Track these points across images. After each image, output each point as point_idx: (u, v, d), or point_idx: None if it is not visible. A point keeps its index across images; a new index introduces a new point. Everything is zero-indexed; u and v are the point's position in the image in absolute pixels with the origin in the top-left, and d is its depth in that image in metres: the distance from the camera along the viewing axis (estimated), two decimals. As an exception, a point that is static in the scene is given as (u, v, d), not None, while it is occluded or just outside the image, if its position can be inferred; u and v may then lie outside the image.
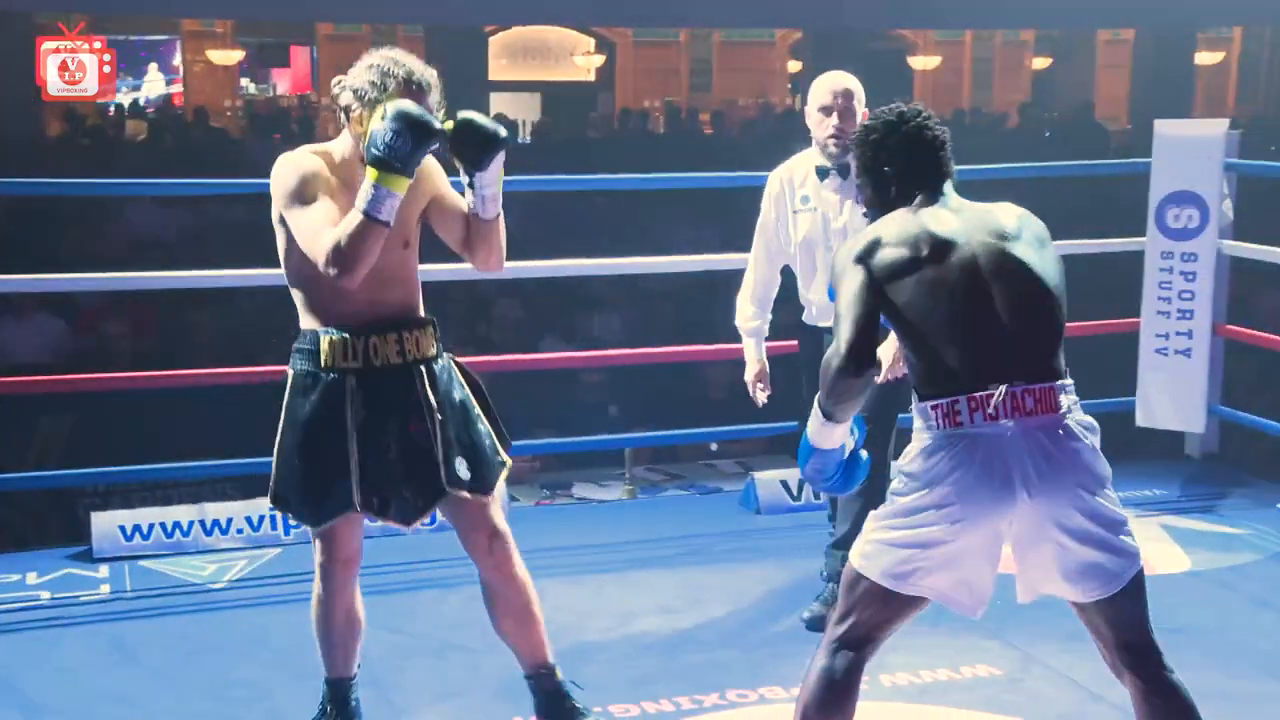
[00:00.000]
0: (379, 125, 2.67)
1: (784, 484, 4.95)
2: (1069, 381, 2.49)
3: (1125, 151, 10.44)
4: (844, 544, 3.75)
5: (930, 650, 3.67)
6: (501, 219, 2.94)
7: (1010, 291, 2.46)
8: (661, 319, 6.94)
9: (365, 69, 2.81)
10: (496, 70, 19.61)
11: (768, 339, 4.03)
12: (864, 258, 2.50)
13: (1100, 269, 5.75)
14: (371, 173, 2.68)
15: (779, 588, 4.20)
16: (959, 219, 2.53)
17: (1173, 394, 5.12)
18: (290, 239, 2.84)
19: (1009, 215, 2.57)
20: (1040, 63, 22.34)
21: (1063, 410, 2.44)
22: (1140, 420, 5.22)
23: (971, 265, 2.47)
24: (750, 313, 4.00)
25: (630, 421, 5.49)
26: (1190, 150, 5.06)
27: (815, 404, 2.56)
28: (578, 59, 20.20)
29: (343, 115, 2.85)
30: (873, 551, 2.50)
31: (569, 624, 3.90)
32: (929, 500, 2.43)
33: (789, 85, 22.01)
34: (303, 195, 2.79)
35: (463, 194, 2.94)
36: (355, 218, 2.70)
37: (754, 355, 4.02)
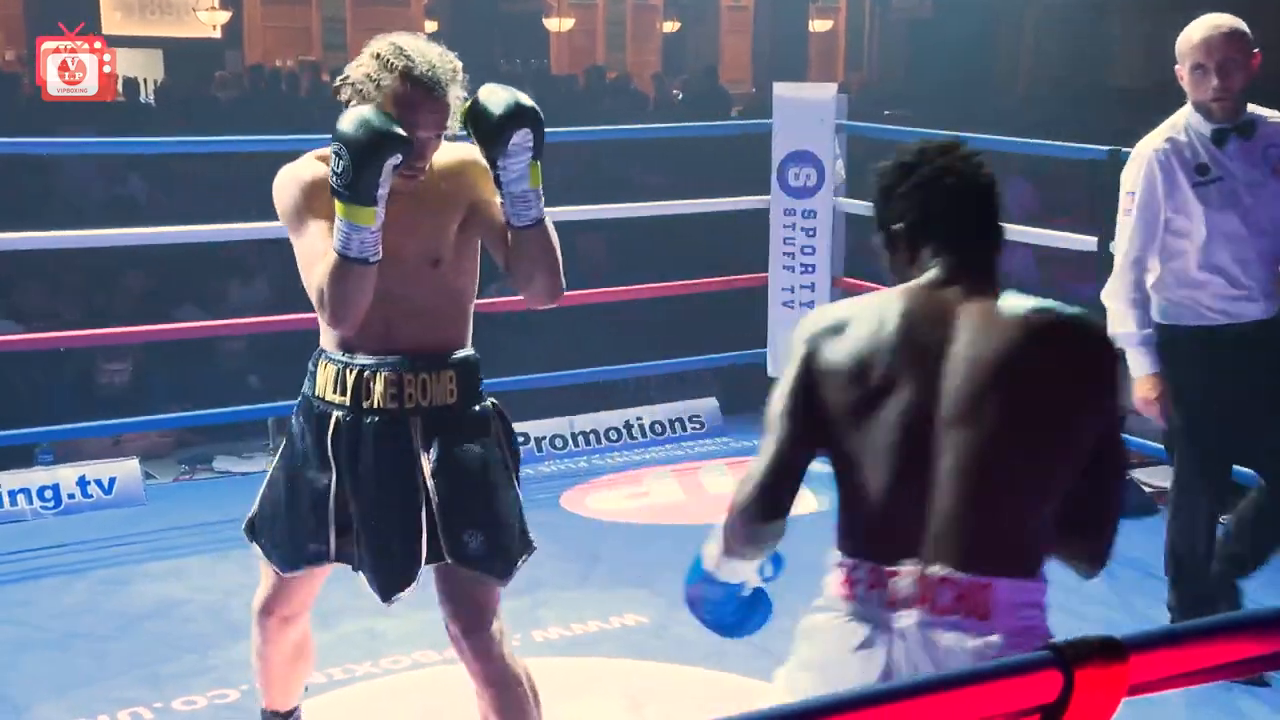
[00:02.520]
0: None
1: (432, 447, 4.92)
2: (1028, 583, 1.77)
3: (751, 114, 10.88)
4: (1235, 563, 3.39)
5: (581, 604, 3.75)
6: (548, 230, 2.40)
7: (978, 445, 1.77)
8: (292, 285, 6.74)
9: (368, 58, 2.37)
10: (111, 24, 18.47)
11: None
12: (816, 339, 1.88)
13: (729, 226, 5.99)
14: (336, 204, 2.27)
15: (431, 551, 4.18)
16: (961, 321, 1.82)
17: (798, 344, 5.39)
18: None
19: (1029, 330, 1.81)
20: (670, 26, 22.98)
21: (992, 620, 1.73)
22: (772, 370, 5.47)
23: (935, 397, 1.79)
24: (1135, 318, 3.24)
25: (272, 391, 5.31)
26: (805, 112, 5.33)
27: (720, 528, 1.97)
28: (201, 14, 19.26)
29: None
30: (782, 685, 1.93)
31: (215, 603, 3.76)
32: (797, 682, 1.86)
33: (425, 45, 21.73)
34: (301, 216, 2.39)
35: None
36: (329, 255, 2.30)
37: (1148, 368, 3.23)
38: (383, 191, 2.25)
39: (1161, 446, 4.77)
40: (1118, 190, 3.39)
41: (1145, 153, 3.27)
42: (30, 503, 4.39)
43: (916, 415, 1.80)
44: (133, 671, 3.35)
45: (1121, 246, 3.28)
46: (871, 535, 1.83)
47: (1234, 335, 3.21)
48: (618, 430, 5.21)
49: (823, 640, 1.84)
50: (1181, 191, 3.21)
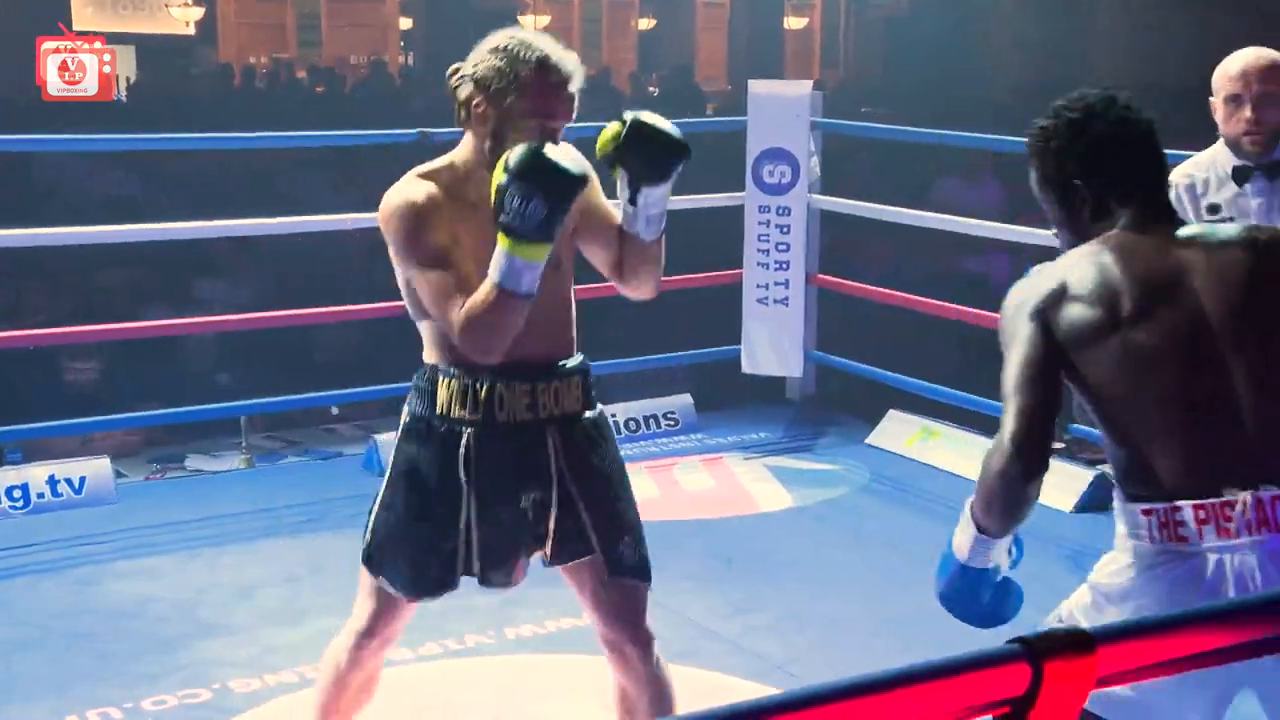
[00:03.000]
0: (502, 178, 2.16)
1: (406, 445, 4.90)
2: None
3: (726, 111, 10.89)
4: None
5: (554, 601, 3.73)
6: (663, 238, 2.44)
7: (1258, 358, 1.85)
8: (267, 283, 6.71)
9: (489, 53, 2.30)
10: (82, 20, 18.34)
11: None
12: (1044, 310, 1.88)
13: (704, 223, 5.98)
14: (503, 239, 2.18)
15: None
16: (1180, 253, 1.90)
17: (773, 341, 5.40)
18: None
19: (1254, 246, 1.92)
20: (645, 24, 23.00)
21: None
22: (745, 367, 5.47)
23: (1198, 322, 1.86)
24: None
25: (243, 389, 5.29)
26: (780, 109, 5.32)
27: (966, 510, 1.97)
28: (174, 10, 19.16)
29: (461, 112, 2.32)
30: None
31: (186, 601, 3.74)
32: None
33: (400, 42, 21.71)
34: (420, 250, 2.29)
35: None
36: (489, 291, 2.21)
37: None
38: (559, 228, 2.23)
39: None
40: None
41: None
42: (-1, 502, 4.35)
43: (1196, 348, 1.84)
44: (102, 671, 3.32)
45: None
46: (1181, 472, 1.82)
47: None
48: (592, 427, 5.20)
49: (1164, 586, 1.82)
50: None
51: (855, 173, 7.24)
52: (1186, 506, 1.81)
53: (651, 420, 5.29)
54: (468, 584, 3.90)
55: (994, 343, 1.99)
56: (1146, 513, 1.84)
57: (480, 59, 2.31)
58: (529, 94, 2.28)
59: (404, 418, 2.45)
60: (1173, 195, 2.98)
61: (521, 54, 2.28)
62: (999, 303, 1.99)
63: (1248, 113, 3.05)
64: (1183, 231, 1.94)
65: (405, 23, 21.64)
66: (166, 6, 19.11)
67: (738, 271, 5.43)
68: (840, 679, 0.94)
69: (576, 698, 3.20)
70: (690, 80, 15.01)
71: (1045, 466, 1.86)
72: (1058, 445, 5.08)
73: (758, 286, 5.39)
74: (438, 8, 18.00)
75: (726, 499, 4.65)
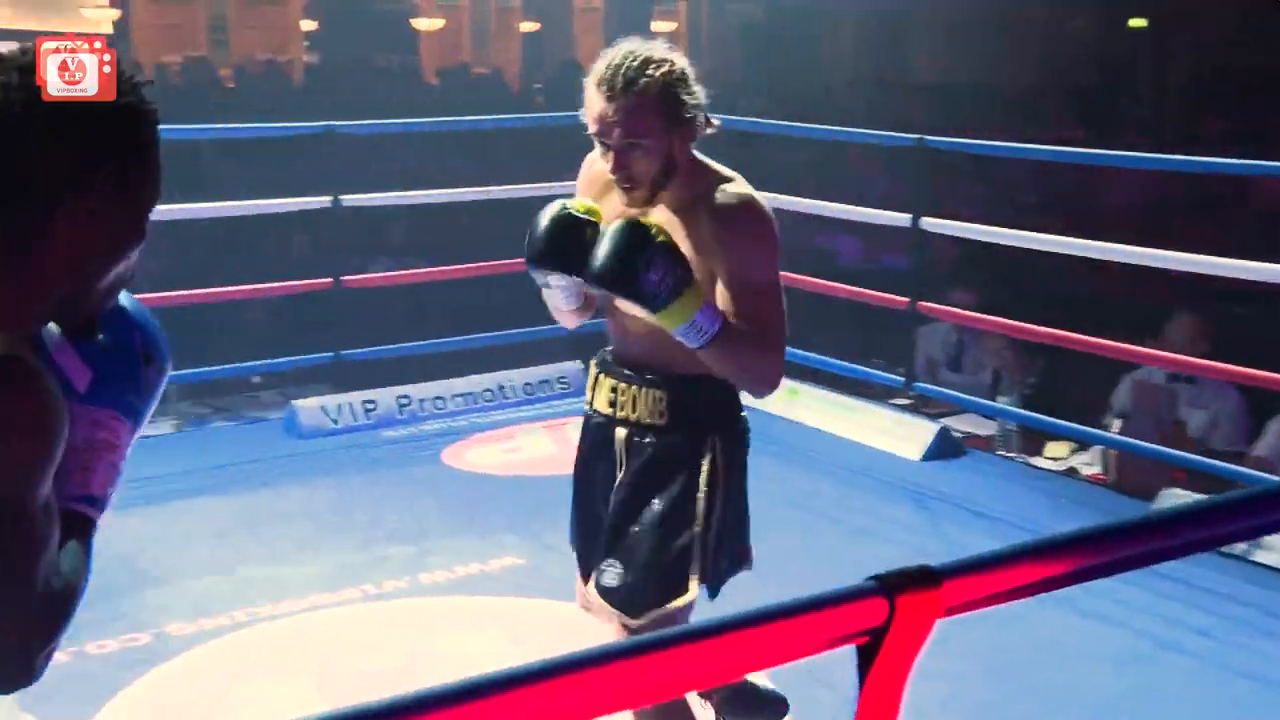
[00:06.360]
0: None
1: (324, 409, 4.85)
2: None
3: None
4: None
5: (462, 549, 3.74)
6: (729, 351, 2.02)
7: None
8: (193, 258, 6.54)
9: None
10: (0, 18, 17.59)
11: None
12: None
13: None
14: None
15: (324, 504, 4.13)
16: None
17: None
18: None
19: None
20: (529, 26, 22.77)
21: None
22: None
23: None
24: None
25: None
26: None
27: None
28: (87, 11, 18.43)
29: None
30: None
31: (127, 553, 3.66)
32: None
33: (305, 43, 21.19)
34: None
35: None
36: None
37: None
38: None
39: (967, 397, 4.90)
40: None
41: None
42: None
43: None
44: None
45: None
46: None
47: None
48: (492, 391, 5.20)
49: None
50: None
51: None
52: None
53: (545, 384, 5.30)
54: (383, 534, 3.88)
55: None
56: None
57: None
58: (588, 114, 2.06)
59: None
60: None
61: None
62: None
63: None
64: None
65: (308, 24, 21.12)
66: (79, 8, 18.38)
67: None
68: (717, 618, 0.95)
69: (485, 633, 3.22)
70: (577, 73, 14.88)
71: None
72: (904, 401, 5.19)
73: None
74: (337, 11, 17.60)
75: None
